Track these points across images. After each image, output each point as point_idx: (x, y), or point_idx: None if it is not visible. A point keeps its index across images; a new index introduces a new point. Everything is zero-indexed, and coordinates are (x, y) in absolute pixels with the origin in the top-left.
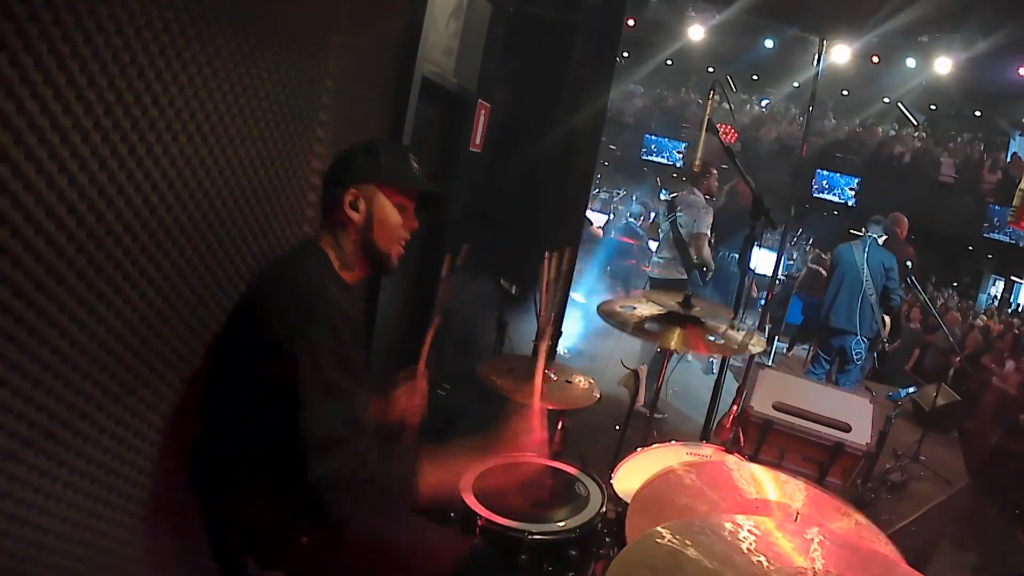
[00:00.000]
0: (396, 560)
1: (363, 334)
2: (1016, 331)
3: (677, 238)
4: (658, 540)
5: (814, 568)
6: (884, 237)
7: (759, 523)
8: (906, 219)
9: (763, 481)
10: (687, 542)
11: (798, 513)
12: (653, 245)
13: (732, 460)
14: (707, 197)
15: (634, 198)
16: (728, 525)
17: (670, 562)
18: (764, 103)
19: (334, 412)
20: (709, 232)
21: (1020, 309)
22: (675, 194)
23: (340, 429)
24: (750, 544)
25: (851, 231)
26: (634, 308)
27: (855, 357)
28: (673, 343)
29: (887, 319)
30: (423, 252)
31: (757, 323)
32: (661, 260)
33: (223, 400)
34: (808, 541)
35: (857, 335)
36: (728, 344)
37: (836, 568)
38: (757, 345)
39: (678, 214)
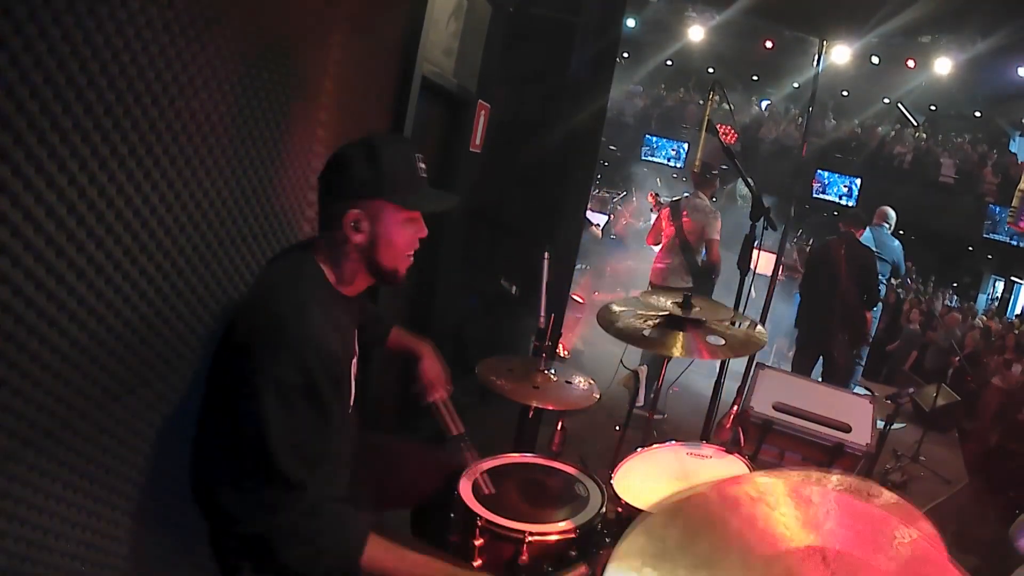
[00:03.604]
0: None
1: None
2: (1016, 332)
3: (683, 243)
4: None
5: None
6: (862, 232)
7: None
8: (892, 210)
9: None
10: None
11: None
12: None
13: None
14: (712, 200)
15: (634, 198)
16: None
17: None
18: (764, 103)
19: (282, 458)
20: (719, 236)
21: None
22: (678, 197)
23: (288, 476)
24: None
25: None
26: (633, 311)
27: (838, 356)
28: (674, 350)
29: (868, 316)
30: (423, 252)
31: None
32: (664, 266)
33: (211, 408)
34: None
35: (837, 335)
36: (731, 344)
37: (844, 547)
38: (760, 337)
39: (684, 219)
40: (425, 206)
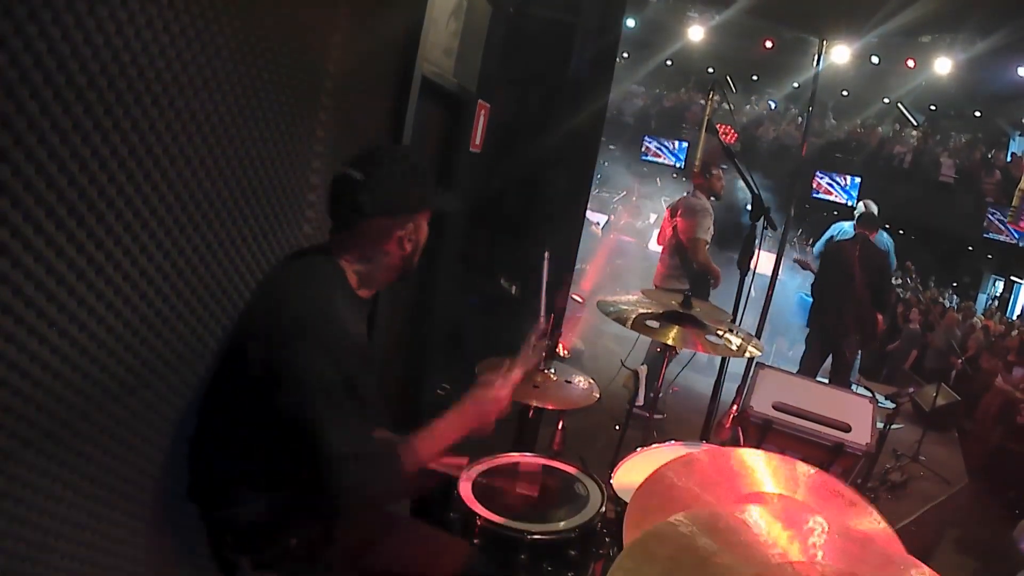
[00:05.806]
0: (393, 563)
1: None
2: (1017, 332)
3: (678, 244)
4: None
5: (813, 561)
6: (875, 234)
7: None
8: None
9: (757, 469)
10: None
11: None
12: (657, 248)
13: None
14: (711, 199)
15: (634, 198)
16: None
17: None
18: (772, 104)
19: (343, 426)
20: (708, 237)
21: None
22: (679, 198)
23: (351, 443)
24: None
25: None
26: (634, 305)
27: (848, 355)
28: (671, 339)
29: (880, 316)
30: (423, 252)
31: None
32: (663, 268)
33: (221, 405)
34: (808, 532)
35: (849, 334)
36: (726, 346)
37: (835, 560)
38: (755, 350)
39: (677, 219)
40: (448, 205)
